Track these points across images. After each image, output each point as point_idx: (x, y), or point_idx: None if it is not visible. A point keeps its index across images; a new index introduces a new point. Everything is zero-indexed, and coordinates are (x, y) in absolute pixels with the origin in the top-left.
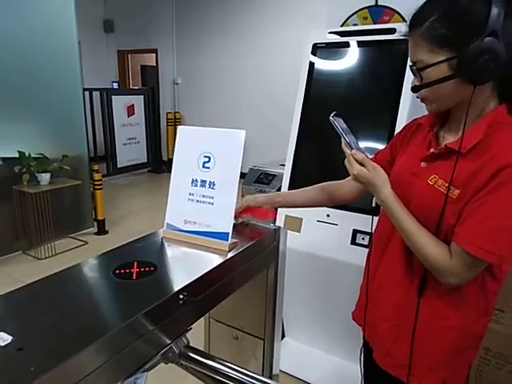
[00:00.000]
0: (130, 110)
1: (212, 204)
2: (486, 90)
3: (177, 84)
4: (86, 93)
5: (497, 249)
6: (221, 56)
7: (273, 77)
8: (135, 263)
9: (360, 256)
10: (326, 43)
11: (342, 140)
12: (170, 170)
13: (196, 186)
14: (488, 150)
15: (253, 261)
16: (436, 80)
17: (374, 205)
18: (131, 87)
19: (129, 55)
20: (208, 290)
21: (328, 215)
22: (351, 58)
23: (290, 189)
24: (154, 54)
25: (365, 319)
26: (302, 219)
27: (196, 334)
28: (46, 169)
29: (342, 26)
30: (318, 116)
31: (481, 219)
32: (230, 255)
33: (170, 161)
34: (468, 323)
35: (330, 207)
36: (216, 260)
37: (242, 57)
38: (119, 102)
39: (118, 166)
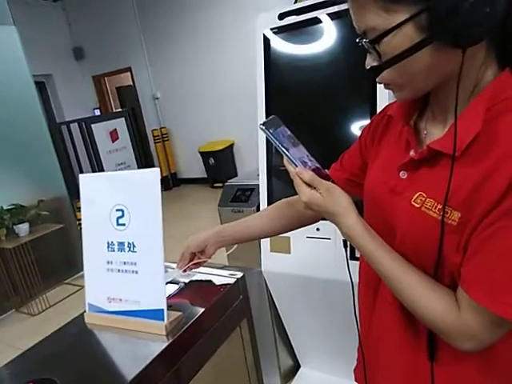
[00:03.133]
0: (114, 135)
1: (136, 273)
2: (478, 54)
3: (157, 99)
4: (64, 127)
5: None
6: (196, 62)
7: (253, 76)
8: None
9: None
10: (280, 27)
11: (284, 155)
12: (166, 188)
13: (113, 250)
14: (493, 146)
15: (211, 332)
16: (402, 52)
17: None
18: (114, 110)
19: (105, 78)
20: None
21: (318, 229)
22: (312, 38)
23: (269, 204)
24: (128, 73)
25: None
26: (289, 238)
27: None
28: (23, 219)
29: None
30: (286, 113)
31: (498, 255)
32: (170, 339)
33: (164, 178)
34: None
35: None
36: (149, 354)
37: (217, 60)
38: (100, 130)
39: None
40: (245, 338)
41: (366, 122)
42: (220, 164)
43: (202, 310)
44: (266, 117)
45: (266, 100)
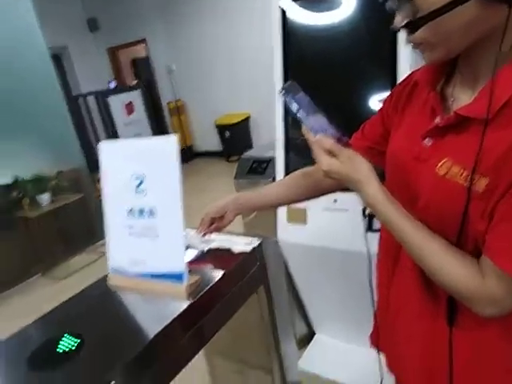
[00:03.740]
0: (129, 108)
1: (157, 237)
2: None
3: (172, 71)
4: (81, 99)
5: None
6: (212, 33)
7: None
8: (58, 341)
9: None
10: None
11: (303, 122)
12: (181, 161)
13: (134, 216)
14: None
15: (229, 295)
16: (442, 7)
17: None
18: (129, 83)
19: (120, 51)
20: (168, 354)
21: (335, 201)
22: (331, 5)
23: (286, 175)
24: (143, 45)
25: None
26: (305, 210)
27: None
28: (44, 189)
29: None
30: (305, 82)
31: None
32: (190, 300)
33: (180, 152)
34: None
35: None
36: (170, 314)
37: (233, 31)
38: (116, 102)
39: None
40: (262, 303)
41: (386, 93)
42: (236, 137)
43: (221, 275)
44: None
45: (283, 71)
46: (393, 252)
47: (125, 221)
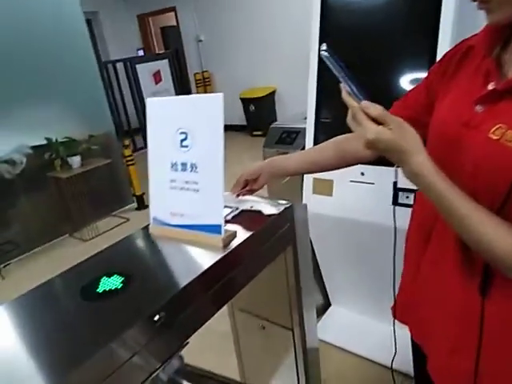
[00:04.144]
0: (157, 77)
1: (197, 191)
2: None
3: (200, 41)
4: (110, 66)
5: None
6: (243, 5)
7: (304, 21)
8: (107, 276)
9: (404, 217)
10: None
11: (343, 86)
12: None
13: (177, 170)
14: None
15: (260, 251)
16: None
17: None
18: (157, 52)
19: (149, 18)
20: (199, 300)
21: (362, 173)
22: None
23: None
24: (172, 13)
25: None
26: (332, 181)
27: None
28: (75, 152)
29: None
30: (340, 51)
31: None
32: (226, 251)
33: None
34: None
35: (364, 164)
36: (208, 261)
37: (264, 4)
38: (144, 70)
39: None
40: (288, 263)
41: (421, 72)
42: (261, 111)
43: (252, 232)
44: (319, 62)
45: (319, 43)
46: (428, 224)
47: (168, 174)
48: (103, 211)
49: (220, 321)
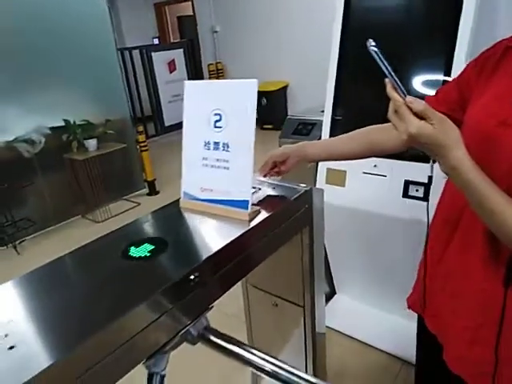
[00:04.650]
0: (172, 66)
1: (228, 169)
2: None
3: (216, 32)
4: (126, 53)
5: None
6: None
7: (321, 19)
8: (146, 241)
9: (413, 210)
10: None
11: (388, 81)
12: None
13: (209, 149)
14: None
15: (280, 228)
16: None
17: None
18: (172, 41)
19: (166, 7)
20: (227, 266)
21: (375, 166)
22: None
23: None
24: (189, 3)
25: (425, 304)
26: (345, 172)
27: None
28: (92, 135)
29: None
30: (360, 50)
31: None
32: (251, 225)
33: None
34: None
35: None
36: (235, 232)
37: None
38: (159, 59)
39: (166, 124)
40: (304, 244)
41: (437, 75)
42: (272, 105)
43: (273, 211)
44: (339, 60)
45: (340, 41)
46: (454, 217)
47: (200, 152)
48: (115, 195)
49: (229, 303)
